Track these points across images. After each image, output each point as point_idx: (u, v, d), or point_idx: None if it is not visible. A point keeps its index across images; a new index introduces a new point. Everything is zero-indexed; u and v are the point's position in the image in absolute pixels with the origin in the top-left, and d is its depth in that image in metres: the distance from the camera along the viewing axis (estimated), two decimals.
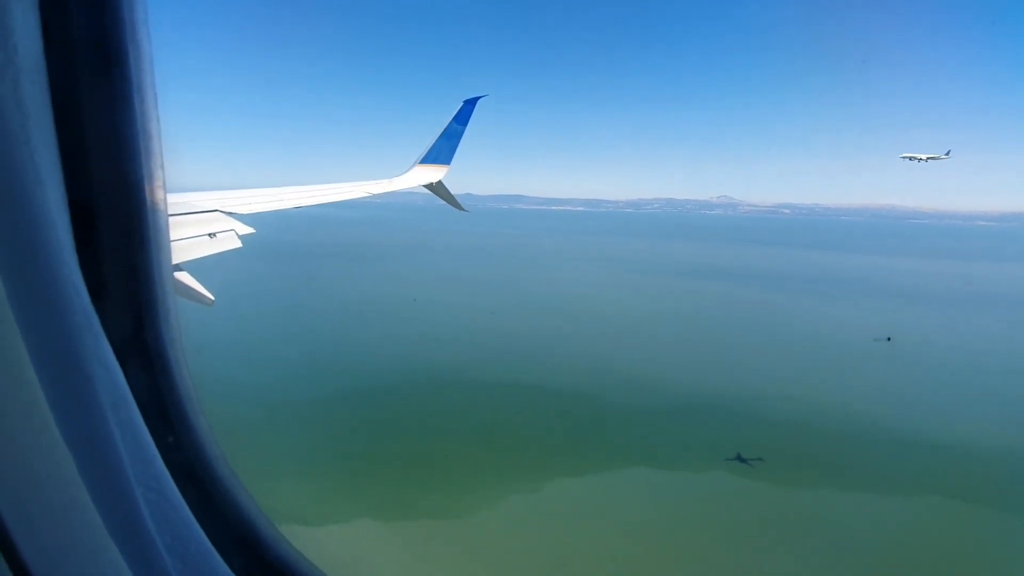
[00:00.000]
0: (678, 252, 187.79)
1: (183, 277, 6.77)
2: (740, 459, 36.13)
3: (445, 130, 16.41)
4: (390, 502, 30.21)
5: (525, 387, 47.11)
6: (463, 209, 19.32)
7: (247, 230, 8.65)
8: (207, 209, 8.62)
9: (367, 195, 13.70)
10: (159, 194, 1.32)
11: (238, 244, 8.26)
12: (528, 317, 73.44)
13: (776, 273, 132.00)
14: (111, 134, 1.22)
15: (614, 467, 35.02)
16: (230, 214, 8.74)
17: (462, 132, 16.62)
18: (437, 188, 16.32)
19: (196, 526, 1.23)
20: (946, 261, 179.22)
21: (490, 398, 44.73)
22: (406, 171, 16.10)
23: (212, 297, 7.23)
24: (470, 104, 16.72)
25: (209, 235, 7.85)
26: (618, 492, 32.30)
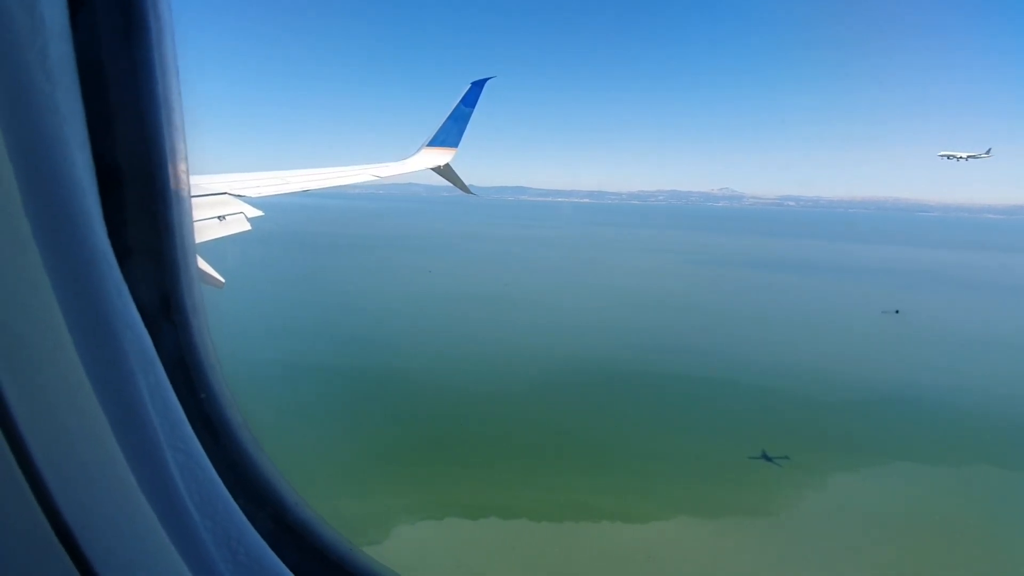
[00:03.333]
0: (723, 243, 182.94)
1: None
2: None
3: (453, 112, 16.07)
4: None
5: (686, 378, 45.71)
6: (471, 193, 19.06)
7: (256, 213, 8.68)
8: (216, 192, 8.64)
9: (375, 178, 13.64)
10: (181, 164, 1.34)
11: (247, 227, 8.28)
12: (637, 309, 69.99)
13: (826, 264, 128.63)
14: (135, 104, 1.23)
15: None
16: (239, 197, 8.76)
17: (470, 114, 16.30)
18: (445, 171, 16.12)
19: (222, 486, 1.26)
20: (991, 253, 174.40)
21: (665, 389, 43.37)
22: (413, 154, 15.97)
23: (222, 279, 7.28)
24: (478, 86, 16.43)
25: (218, 218, 7.88)
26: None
